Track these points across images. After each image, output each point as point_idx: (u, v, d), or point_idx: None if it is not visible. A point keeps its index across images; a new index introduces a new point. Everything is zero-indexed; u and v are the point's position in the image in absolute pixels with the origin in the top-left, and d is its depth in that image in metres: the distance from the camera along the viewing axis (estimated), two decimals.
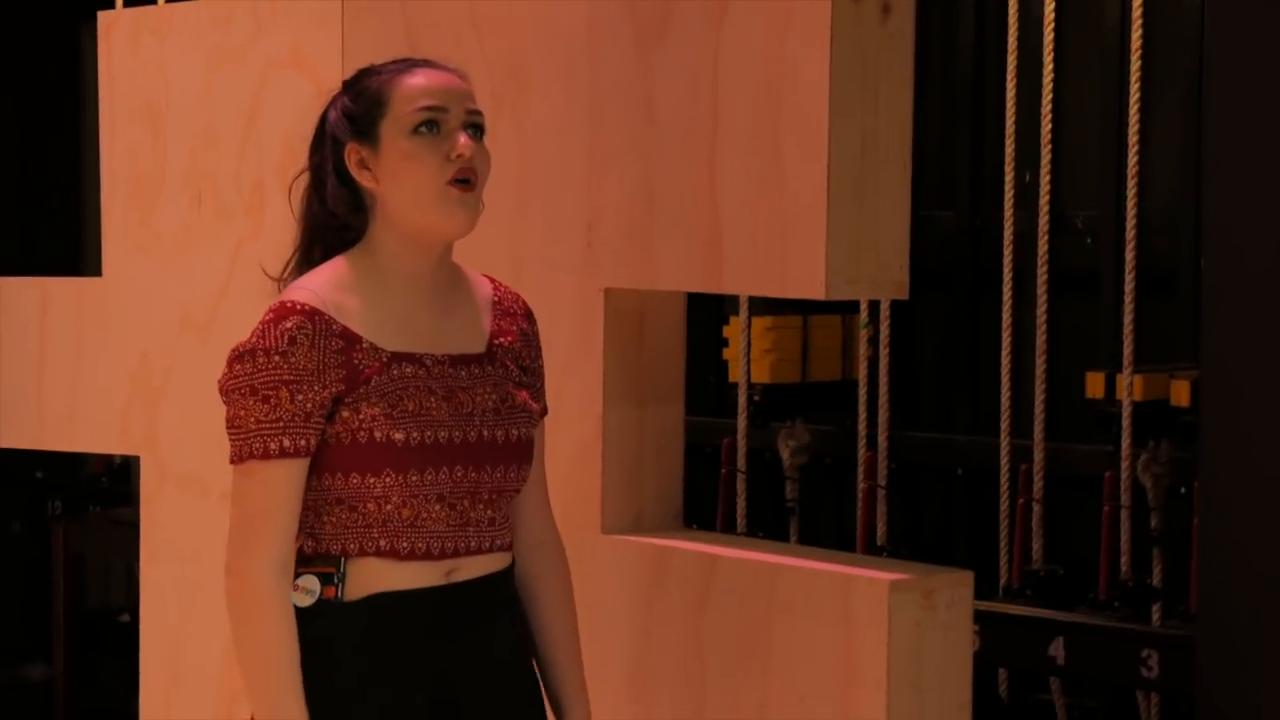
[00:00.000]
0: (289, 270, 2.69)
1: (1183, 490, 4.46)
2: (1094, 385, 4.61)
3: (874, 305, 5.02)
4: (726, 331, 5.15)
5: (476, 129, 2.61)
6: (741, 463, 5.17)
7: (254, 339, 2.53)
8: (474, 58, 3.24)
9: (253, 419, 2.52)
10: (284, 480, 2.53)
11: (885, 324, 5.01)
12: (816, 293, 2.81)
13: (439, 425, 2.57)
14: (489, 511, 2.63)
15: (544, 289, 3.16)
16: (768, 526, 5.20)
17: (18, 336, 4.22)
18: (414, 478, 2.55)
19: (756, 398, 5.09)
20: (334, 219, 2.64)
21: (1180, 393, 4.41)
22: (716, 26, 2.92)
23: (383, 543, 2.56)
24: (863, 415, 5.05)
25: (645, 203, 3.04)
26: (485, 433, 2.61)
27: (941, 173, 5.14)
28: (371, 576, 2.57)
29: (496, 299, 2.74)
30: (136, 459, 4.02)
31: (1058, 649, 4.40)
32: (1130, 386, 4.51)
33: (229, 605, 2.55)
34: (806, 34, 2.80)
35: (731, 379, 5.15)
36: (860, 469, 5.04)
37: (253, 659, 2.53)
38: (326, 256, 2.65)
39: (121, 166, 3.98)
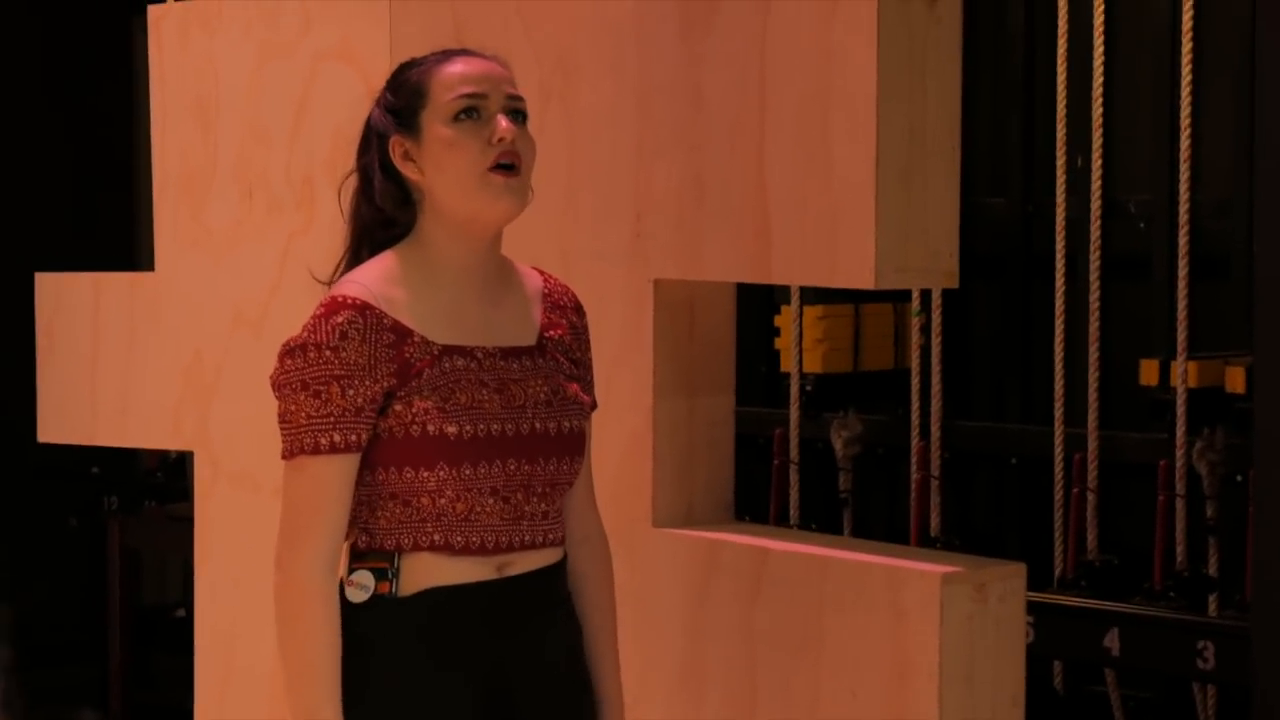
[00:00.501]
0: (338, 273, 2.68)
1: (1239, 478, 4.43)
2: (1148, 372, 4.58)
3: (926, 293, 5.00)
4: (778, 321, 5.14)
5: (518, 114, 2.61)
6: (794, 454, 5.15)
7: (305, 334, 2.53)
8: (521, 49, 3.24)
9: (303, 414, 2.52)
10: (334, 476, 2.53)
11: (937, 312, 4.98)
12: (866, 282, 2.80)
13: (491, 418, 2.57)
14: (542, 505, 2.62)
15: (593, 281, 3.15)
16: (821, 518, 5.19)
17: (71, 332, 4.23)
18: (467, 471, 2.55)
19: (809, 388, 5.07)
20: (381, 216, 2.64)
21: (1235, 379, 4.38)
22: (763, 15, 2.91)
23: (437, 537, 2.56)
24: (915, 405, 5.03)
25: (694, 193, 3.03)
26: (538, 425, 2.61)
27: (993, 159, 5.12)
28: (425, 571, 2.57)
29: (547, 291, 2.73)
30: (192, 454, 4.03)
31: (1113, 640, 4.37)
32: (1184, 373, 4.48)
33: (275, 599, 2.55)
34: (854, 22, 2.78)
35: (783, 369, 5.14)
36: (913, 459, 5.02)
37: (294, 655, 2.53)
38: (378, 251, 2.65)
39: (172, 162, 3.99)
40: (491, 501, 2.57)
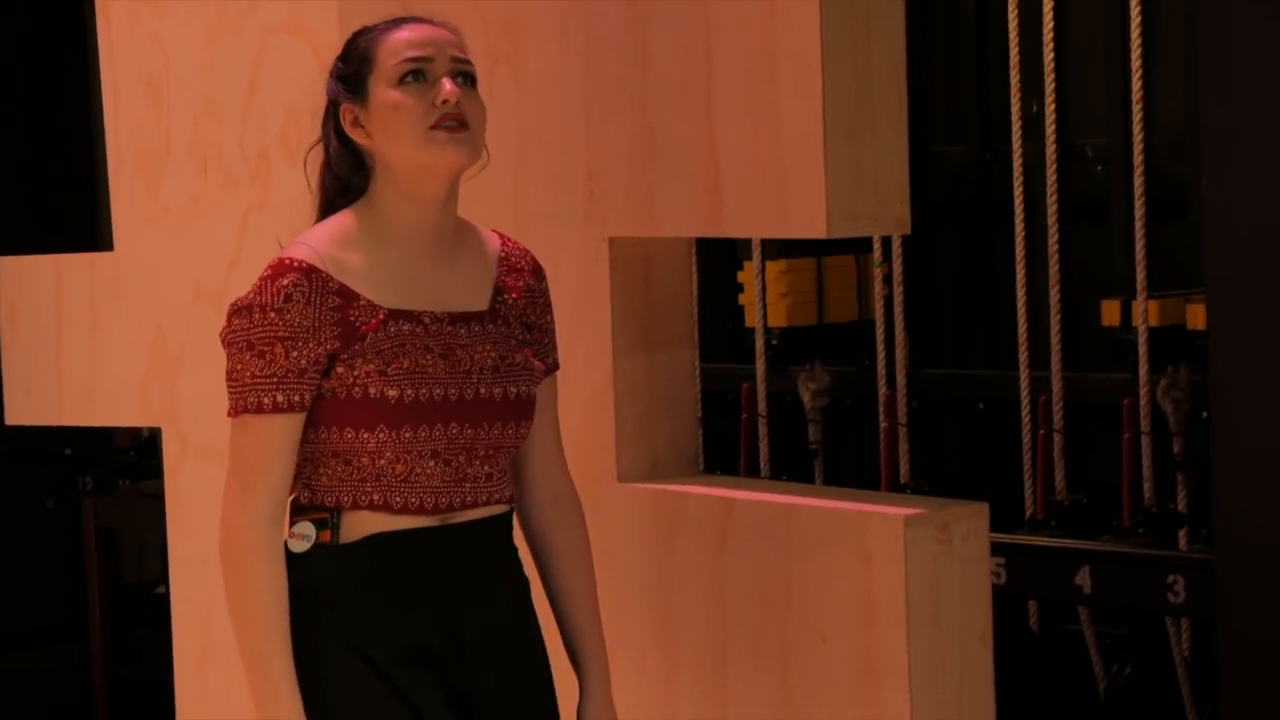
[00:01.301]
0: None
1: (1204, 414, 4.46)
2: (1109, 313, 4.62)
3: (887, 243, 5.02)
4: (741, 277, 5.16)
5: (465, 77, 2.62)
6: (762, 407, 5.18)
7: (251, 295, 2.57)
8: (468, 14, 3.25)
9: (248, 373, 2.56)
10: (277, 434, 2.57)
11: (899, 262, 5.01)
12: (818, 231, 2.82)
13: (434, 383, 2.59)
14: (485, 467, 2.64)
15: (548, 241, 3.17)
16: (791, 470, 5.22)
17: (34, 314, 4.24)
18: (407, 434, 2.57)
19: (774, 342, 5.10)
20: (339, 183, 2.67)
21: (1196, 316, 4.41)
22: None
23: (376, 497, 2.59)
24: (881, 354, 5.06)
25: (644, 151, 3.05)
26: (483, 390, 2.63)
27: (948, 108, 5.14)
28: (365, 524, 2.60)
29: (504, 254, 2.75)
30: (160, 430, 4.05)
31: (1084, 578, 4.41)
32: (1145, 313, 4.51)
33: (220, 554, 2.59)
34: None
35: (748, 324, 5.16)
36: (880, 408, 5.05)
37: (240, 607, 2.57)
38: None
39: (126, 140, 3.99)
40: (432, 464, 2.59)
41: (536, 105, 3.21)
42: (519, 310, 2.72)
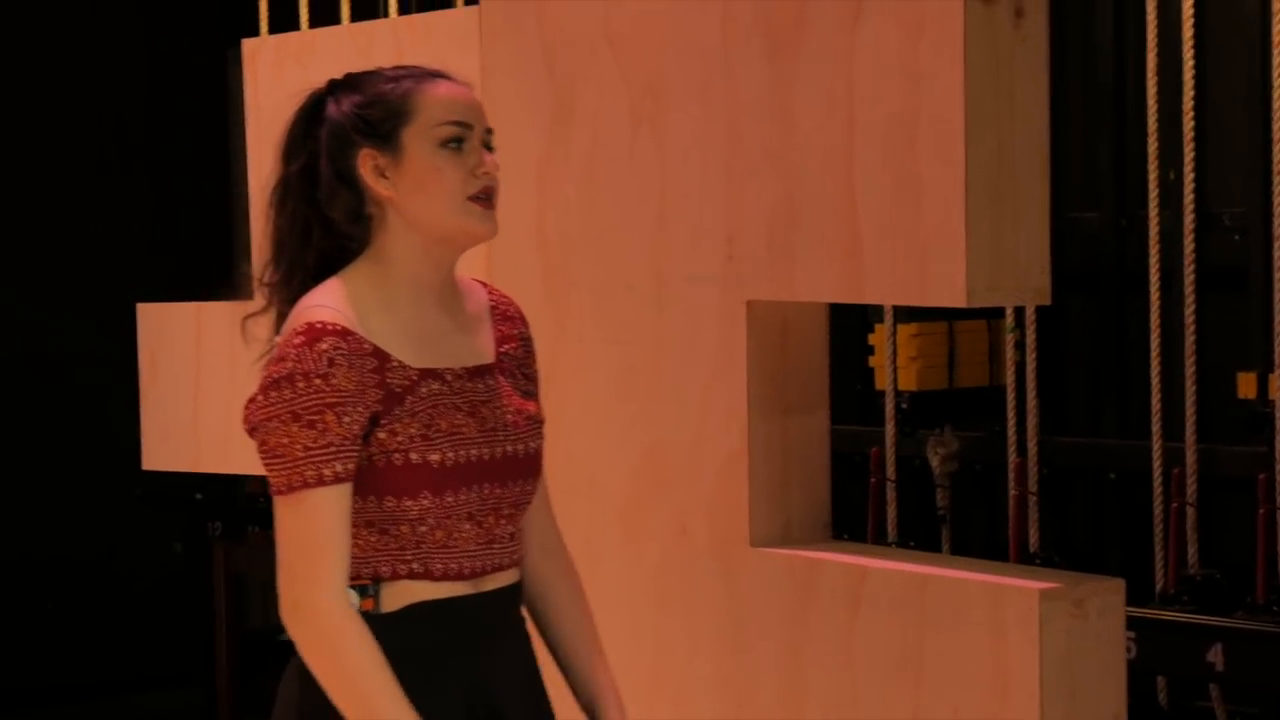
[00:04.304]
0: (270, 274, 2.61)
1: None
2: (1246, 385, 4.55)
3: (1020, 310, 4.99)
4: (872, 339, 5.14)
5: (491, 148, 2.59)
6: (891, 471, 5.15)
7: (289, 364, 2.46)
8: (610, 74, 3.27)
9: (300, 446, 2.43)
10: (338, 505, 2.45)
11: (1032, 328, 4.97)
12: (958, 301, 2.81)
13: (470, 444, 2.54)
14: (509, 527, 2.60)
15: (687, 303, 3.18)
16: (919, 535, 5.18)
17: (173, 361, 4.30)
18: (449, 499, 2.52)
19: (904, 405, 5.07)
20: (328, 223, 2.57)
21: None
22: (850, 35, 2.93)
23: (416, 565, 2.52)
24: (1011, 420, 5.01)
25: (785, 214, 3.05)
26: (508, 448, 2.59)
27: (1085, 174, 5.10)
28: (406, 591, 2.53)
29: (494, 304, 2.70)
30: None
31: (1216, 655, 4.34)
32: None
33: (310, 641, 2.46)
34: (940, 41, 2.79)
35: (878, 387, 5.14)
36: (1010, 475, 5.00)
37: (354, 687, 2.44)
38: (319, 263, 2.57)
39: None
40: (468, 526, 2.54)
41: (678, 166, 3.22)
42: (518, 360, 2.69)
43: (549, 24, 3.41)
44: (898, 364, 5.05)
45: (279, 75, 4.01)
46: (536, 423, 2.65)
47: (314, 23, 5.37)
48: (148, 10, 6.86)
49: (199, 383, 4.21)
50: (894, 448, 5.12)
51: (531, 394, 2.69)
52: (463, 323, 2.63)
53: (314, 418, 2.43)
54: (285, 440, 2.44)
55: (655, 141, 3.25)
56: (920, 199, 2.84)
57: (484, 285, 2.73)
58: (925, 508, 5.18)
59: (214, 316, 4.23)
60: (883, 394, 5.11)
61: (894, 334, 5.04)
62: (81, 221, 6.67)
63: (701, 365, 3.15)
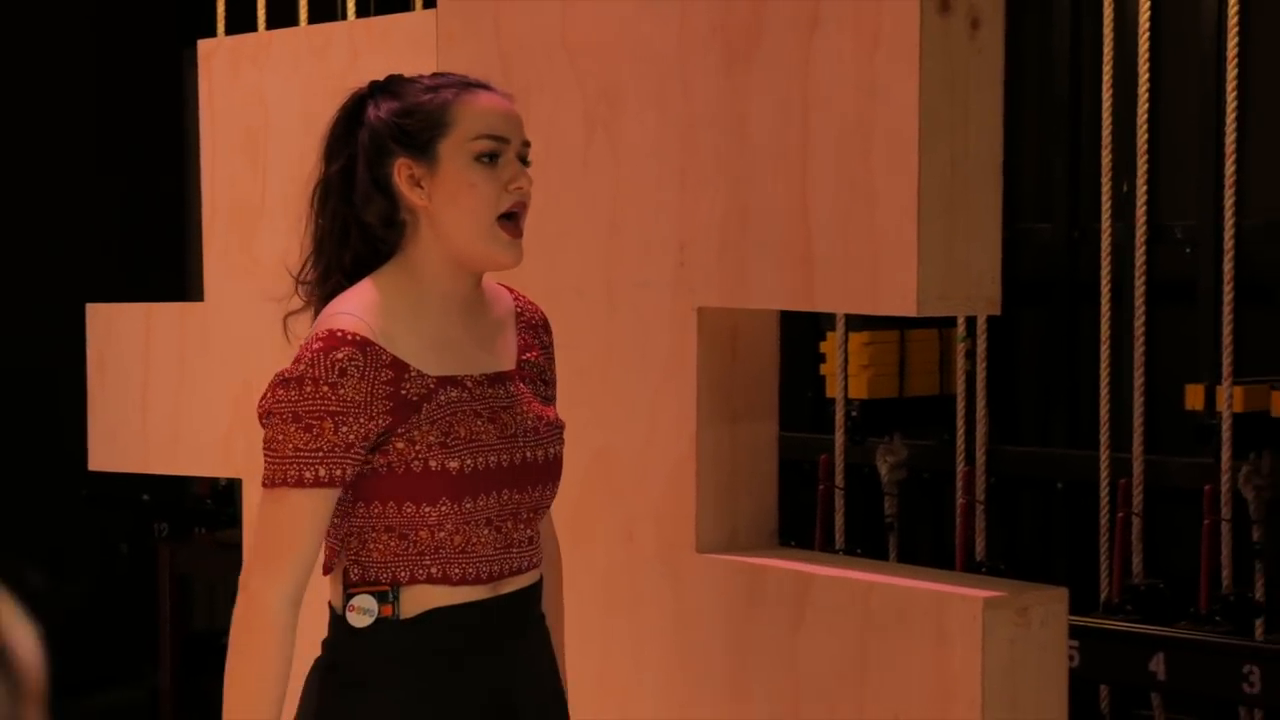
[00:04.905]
0: (308, 272, 2.65)
1: None
2: (1193, 397, 4.59)
3: (971, 319, 5.01)
4: (823, 347, 5.16)
5: (527, 161, 2.61)
6: (839, 479, 5.17)
7: (303, 367, 2.49)
8: (566, 80, 3.27)
9: (290, 445, 2.47)
10: (312, 509, 2.49)
11: (983, 338, 5.00)
12: (908, 310, 2.81)
13: (489, 450, 2.56)
14: (528, 531, 2.63)
15: (638, 309, 3.18)
16: (866, 543, 5.20)
17: (122, 361, 4.28)
18: (468, 505, 2.54)
19: (854, 413, 5.09)
20: (363, 226, 2.60)
21: None
22: (806, 44, 2.93)
23: (434, 570, 2.55)
24: (961, 430, 5.04)
25: (737, 222, 3.06)
26: (528, 454, 2.61)
27: (1039, 185, 5.13)
28: (425, 596, 2.56)
29: (519, 310, 2.74)
30: (240, 481, 4.07)
31: (1158, 664, 4.36)
32: (1230, 398, 4.48)
33: (236, 622, 2.51)
34: (895, 51, 2.80)
35: (829, 394, 5.15)
36: (959, 484, 5.03)
37: (241, 680, 2.49)
38: (355, 263, 2.61)
39: (222, 193, 4.04)
40: (486, 532, 2.57)
41: (632, 172, 3.23)
42: (540, 367, 2.72)
43: (506, 29, 3.41)
44: (849, 372, 5.07)
45: (234, 76, 4.00)
46: (557, 428, 2.68)
47: (271, 24, 5.36)
48: (104, 10, 6.83)
49: (147, 384, 4.20)
50: (843, 455, 5.14)
51: (551, 400, 2.72)
52: (487, 330, 2.66)
53: (312, 421, 2.47)
54: (280, 437, 2.49)
55: (609, 147, 3.25)
56: (873, 208, 2.85)
57: (510, 291, 2.76)
58: (873, 515, 5.20)
59: (163, 318, 4.21)
60: (833, 401, 5.12)
61: (845, 342, 5.06)
62: (33, 221, 6.63)
63: (651, 371, 3.16)
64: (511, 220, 2.58)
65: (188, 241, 6.51)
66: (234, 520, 5.81)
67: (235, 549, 4.12)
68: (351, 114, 2.64)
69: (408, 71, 2.68)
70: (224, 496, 6.18)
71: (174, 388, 4.14)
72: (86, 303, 4.41)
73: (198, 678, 6.45)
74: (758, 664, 3.07)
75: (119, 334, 4.28)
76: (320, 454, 2.47)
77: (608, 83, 3.26)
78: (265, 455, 2.52)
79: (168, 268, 6.62)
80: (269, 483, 2.51)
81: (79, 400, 4.41)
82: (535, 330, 2.73)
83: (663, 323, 3.17)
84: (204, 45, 4.11)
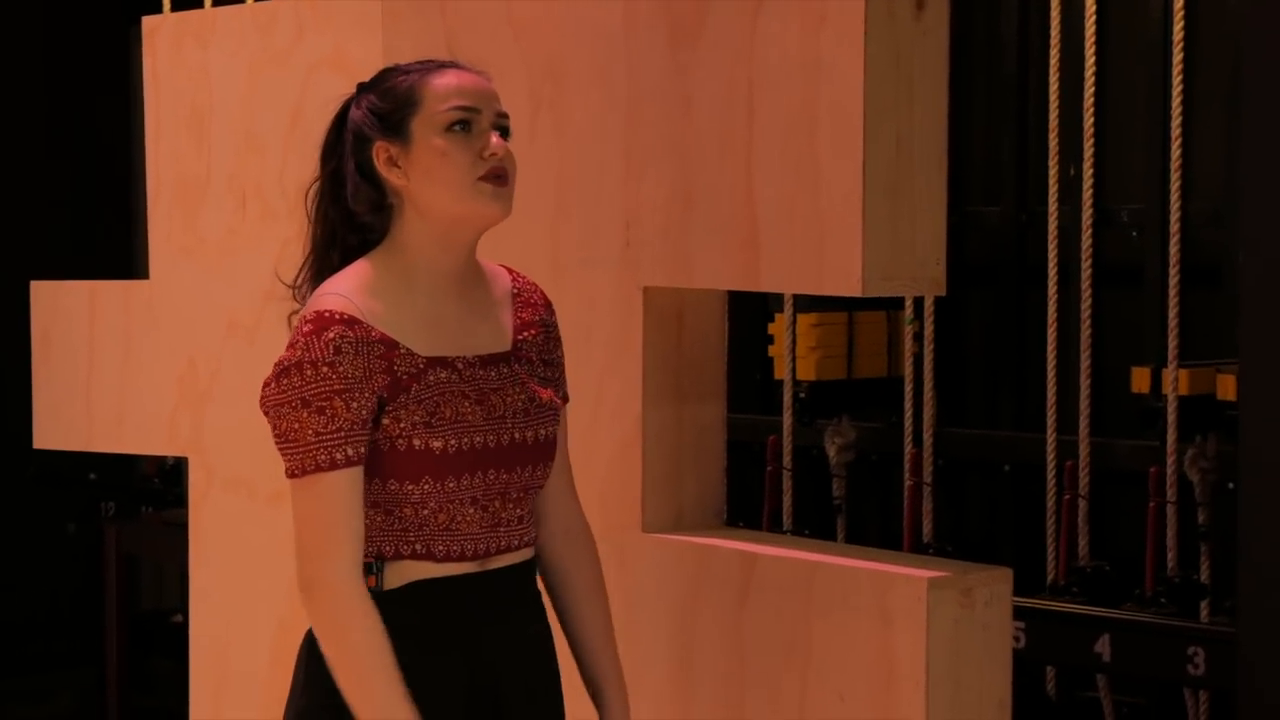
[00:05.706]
0: (302, 275, 2.70)
1: (1230, 485, 4.44)
2: (1140, 380, 4.60)
3: (919, 301, 5.02)
4: (771, 329, 5.16)
5: (504, 131, 2.63)
6: (787, 460, 5.17)
7: (298, 352, 2.53)
8: (511, 58, 3.26)
9: (310, 431, 2.52)
10: (349, 487, 2.54)
11: (930, 320, 5.00)
12: (853, 290, 2.82)
13: (474, 431, 2.59)
14: (517, 510, 2.66)
15: (583, 288, 3.18)
16: (814, 524, 5.21)
17: (67, 339, 4.25)
18: (451, 484, 2.58)
19: (802, 395, 5.09)
20: (352, 220, 2.65)
21: (1227, 387, 4.40)
22: (751, 25, 2.93)
23: (419, 546, 2.59)
24: (909, 412, 5.05)
25: (683, 202, 3.05)
26: (516, 435, 2.64)
27: (986, 168, 5.14)
28: (409, 570, 2.60)
29: (516, 291, 2.75)
30: (187, 460, 4.05)
31: (1104, 646, 4.39)
32: (1176, 381, 4.50)
33: (318, 619, 2.55)
34: (840, 32, 2.80)
35: (777, 376, 5.16)
36: (906, 466, 5.04)
37: (354, 666, 2.52)
38: (344, 260, 2.66)
39: (167, 171, 4.01)
40: (471, 511, 2.60)
41: (577, 151, 3.22)
42: (538, 347, 2.73)
43: (451, 6, 3.40)
44: (797, 353, 5.07)
45: (179, 53, 3.98)
46: (550, 408, 2.69)
47: (217, 1, 5.33)
48: None
49: (92, 361, 4.17)
50: (791, 437, 5.15)
51: (551, 380, 2.73)
52: (481, 309, 2.68)
53: (323, 404, 2.51)
54: (296, 425, 2.52)
55: (554, 126, 3.25)
56: (818, 188, 2.85)
57: (509, 270, 2.77)
58: (821, 497, 5.21)
59: (108, 295, 4.19)
60: (781, 383, 5.13)
61: (794, 324, 5.06)
62: None
63: (597, 351, 3.15)
64: (491, 179, 2.59)
65: (135, 219, 6.47)
66: (181, 500, 5.78)
67: (182, 529, 4.10)
68: (339, 118, 2.69)
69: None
70: (171, 476, 6.16)
71: (119, 366, 4.12)
72: (31, 280, 4.38)
73: (145, 658, 6.43)
74: (703, 644, 3.07)
75: (63, 311, 4.25)
76: (343, 434, 2.52)
77: (552, 60, 3.25)
78: (284, 447, 2.54)
79: (115, 245, 6.58)
80: (297, 472, 2.53)
81: (24, 378, 4.38)
82: (534, 308, 2.75)
83: (608, 302, 3.17)
84: (149, 21, 4.09)
